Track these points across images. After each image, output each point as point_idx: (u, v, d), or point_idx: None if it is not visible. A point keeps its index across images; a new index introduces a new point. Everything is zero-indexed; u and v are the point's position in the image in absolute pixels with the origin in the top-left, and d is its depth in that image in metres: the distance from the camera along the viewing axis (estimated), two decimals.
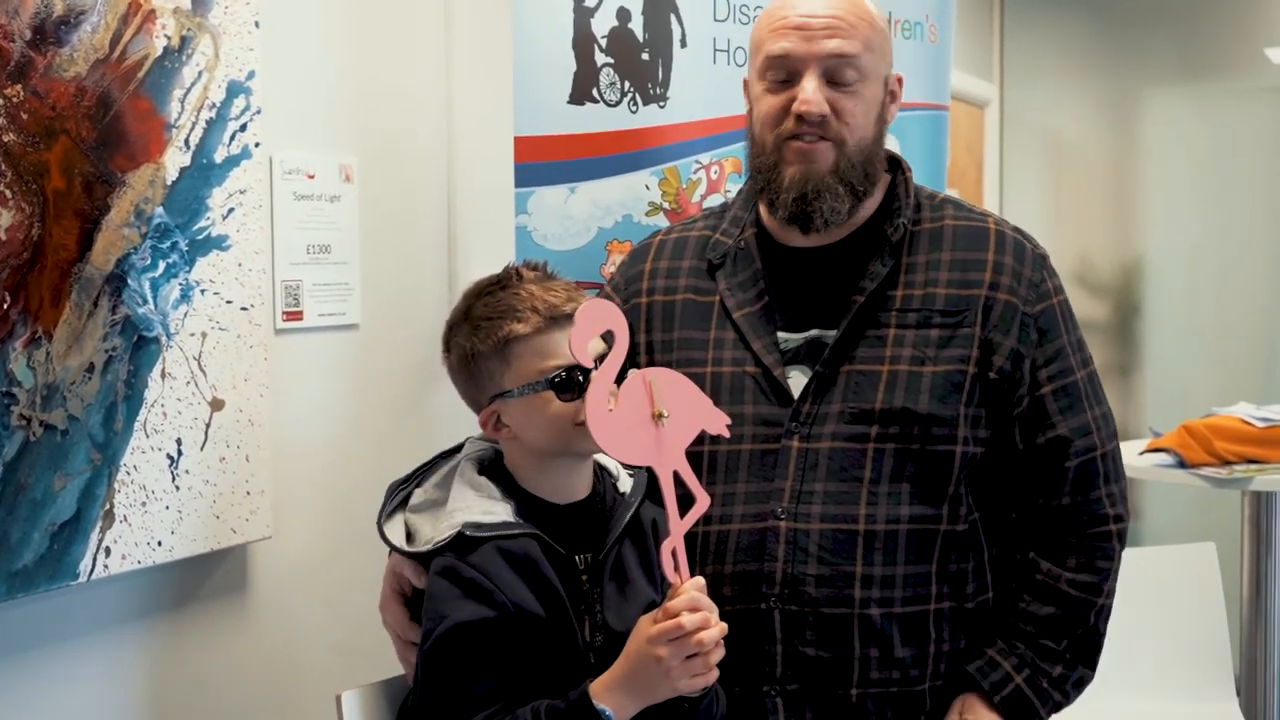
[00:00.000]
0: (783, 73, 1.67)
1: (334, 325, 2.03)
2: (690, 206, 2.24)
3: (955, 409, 1.64)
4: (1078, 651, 1.67)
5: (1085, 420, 1.69)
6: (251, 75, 1.81)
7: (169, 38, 1.69)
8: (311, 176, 1.97)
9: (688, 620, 1.37)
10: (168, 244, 1.70)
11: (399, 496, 1.57)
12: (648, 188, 2.20)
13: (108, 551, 1.63)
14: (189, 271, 1.73)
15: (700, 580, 1.43)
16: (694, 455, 1.53)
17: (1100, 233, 4.82)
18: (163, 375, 1.69)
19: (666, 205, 2.22)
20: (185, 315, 1.72)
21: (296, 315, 1.95)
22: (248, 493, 1.83)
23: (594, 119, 2.13)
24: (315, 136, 2.00)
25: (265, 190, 1.87)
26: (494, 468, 1.55)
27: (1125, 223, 4.80)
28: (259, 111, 1.82)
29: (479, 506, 1.48)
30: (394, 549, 1.52)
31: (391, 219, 2.14)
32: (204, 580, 1.84)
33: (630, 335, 1.72)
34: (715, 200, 2.25)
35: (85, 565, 1.60)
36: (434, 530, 1.48)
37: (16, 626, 1.58)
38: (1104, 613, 1.69)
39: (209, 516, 1.77)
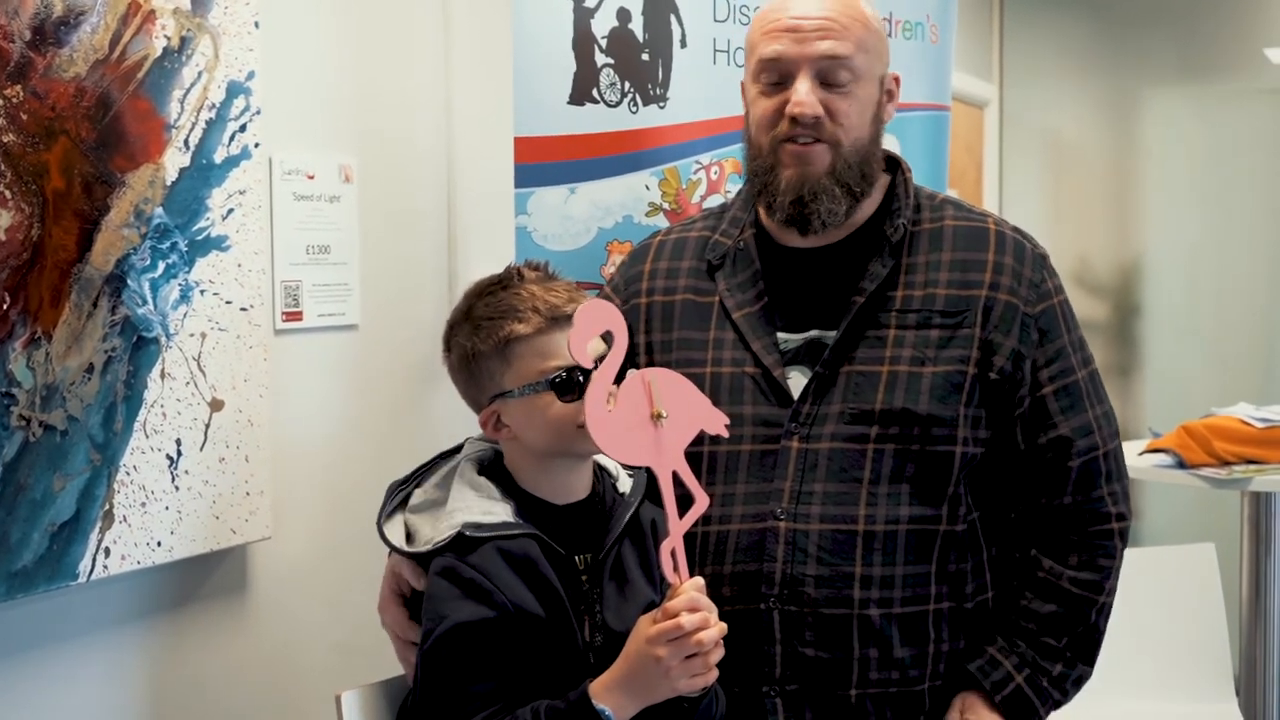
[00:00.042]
0: (776, 75, 1.67)
1: (333, 326, 2.03)
2: (690, 207, 2.24)
3: (955, 409, 1.64)
4: (1078, 649, 1.67)
5: (1087, 420, 1.69)
6: (251, 76, 1.81)
7: (168, 38, 1.69)
8: (311, 177, 1.97)
9: (687, 620, 1.37)
10: (167, 244, 1.70)
11: (399, 497, 1.57)
12: (648, 188, 2.20)
13: (107, 552, 1.63)
14: (188, 272, 1.73)
15: (699, 580, 1.43)
16: (693, 456, 1.53)
17: (1100, 233, 4.82)
18: (162, 376, 1.69)
19: (666, 206, 2.22)
20: (185, 316, 1.72)
21: (296, 316, 1.95)
22: (247, 493, 1.83)
23: (594, 119, 2.13)
24: (315, 137, 2.00)
25: (265, 191, 1.87)
26: (494, 468, 1.55)
27: (1125, 223, 4.80)
28: (259, 112, 1.82)
29: (479, 507, 1.48)
30: (394, 549, 1.52)
31: (391, 219, 2.14)
32: (203, 581, 1.84)
33: (630, 336, 1.73)
34: (715, 201, 2.25)
35: (85, 566, 1.60)
36: (434, 530, 1.48)
37: (16, 627, 1.58)
38: (1105, 611, 1.69)
39: (208, 517, 1.77)
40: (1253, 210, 4.50)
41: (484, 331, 1.50)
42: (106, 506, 1.63)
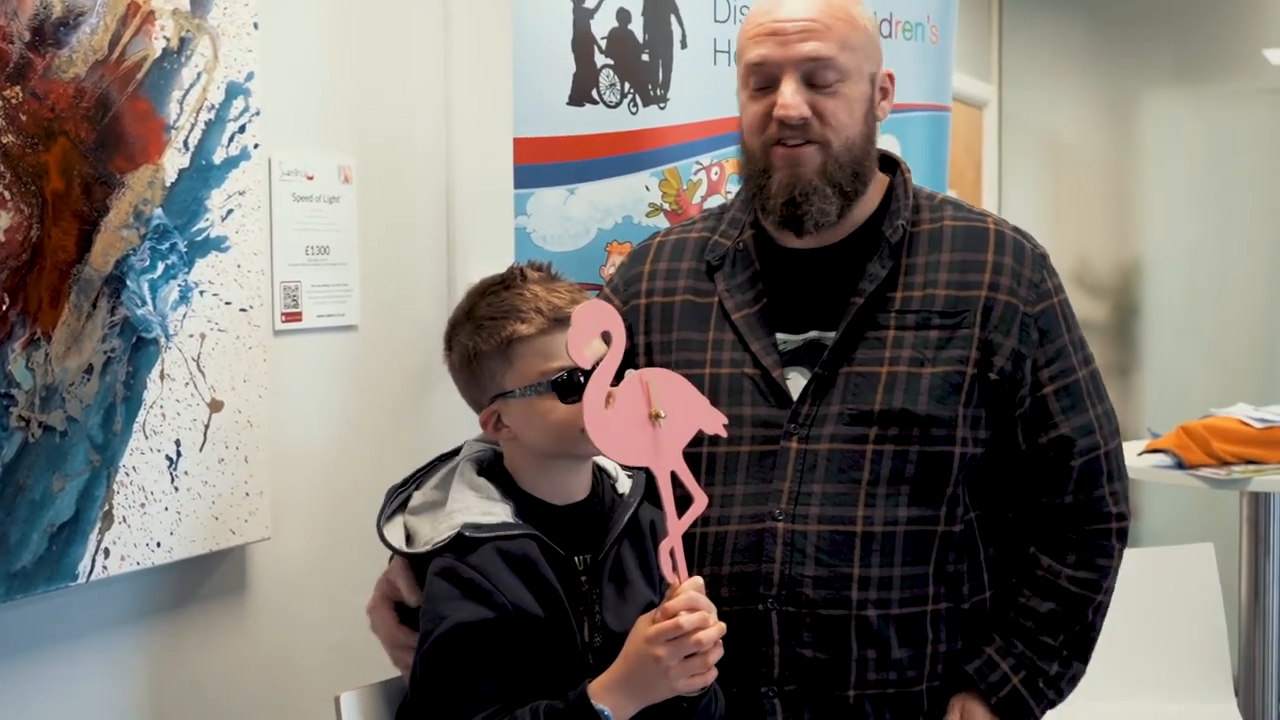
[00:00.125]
0: (762, 79, 1.67)
1: (333, 326, 2.03)
2: (690, 208, 2.24)
3: (954, 410, 1.64)
4: (1073, 647, 1.68)
5: (1088, 419, 1.69)
6: (250, 76, 1.81)
7: (168, 39, 1.69)
8: (310, 178, 1.97)
9: (686, 620, 1.37)
10: (166, 245, 1.70)
11: (398, 500, 1.57)
12: (648, 189, 2.20)
13: (106, 553, 1.63)
14: (188, 273, 1.73)
15: (698, 580, 1.43)
16: (692, 456, 1.53)
17: (1099, 234, 4.82)
18: (161, 376, 1.69)
19: (667, 206, 2.22)
20: (184, 316, 1.72)
21: (295, 316, 1.95)
22: (246, 494, 1.83)
23: (594, 120, 2.13)
24: (314, 137, 2.00)
25: (264, 191, 1.87)
26: (493, 469, 1.55)
27: (1124, 224, 4.80)
28: (258, 113, 1.82)
29: (478, 507, 1.48)
30: (394, 550, 1.52)
31: (391, 220, 2.14)
32: (203, 581, 1.84)
33: (629, 337, 1.73)
34: (716, 201, 2.25)
35: (84, 566, 1.60)
36: (433, 531, 1.48)
37: (15, 628, 1.58)
38: (1102, 610, 1.69)
39: (208, 518, 1.77)
40: (1252, 210, 4.50)
41: (486, 331, 1.50)
42: (106, 507, 1.63)
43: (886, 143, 2.44)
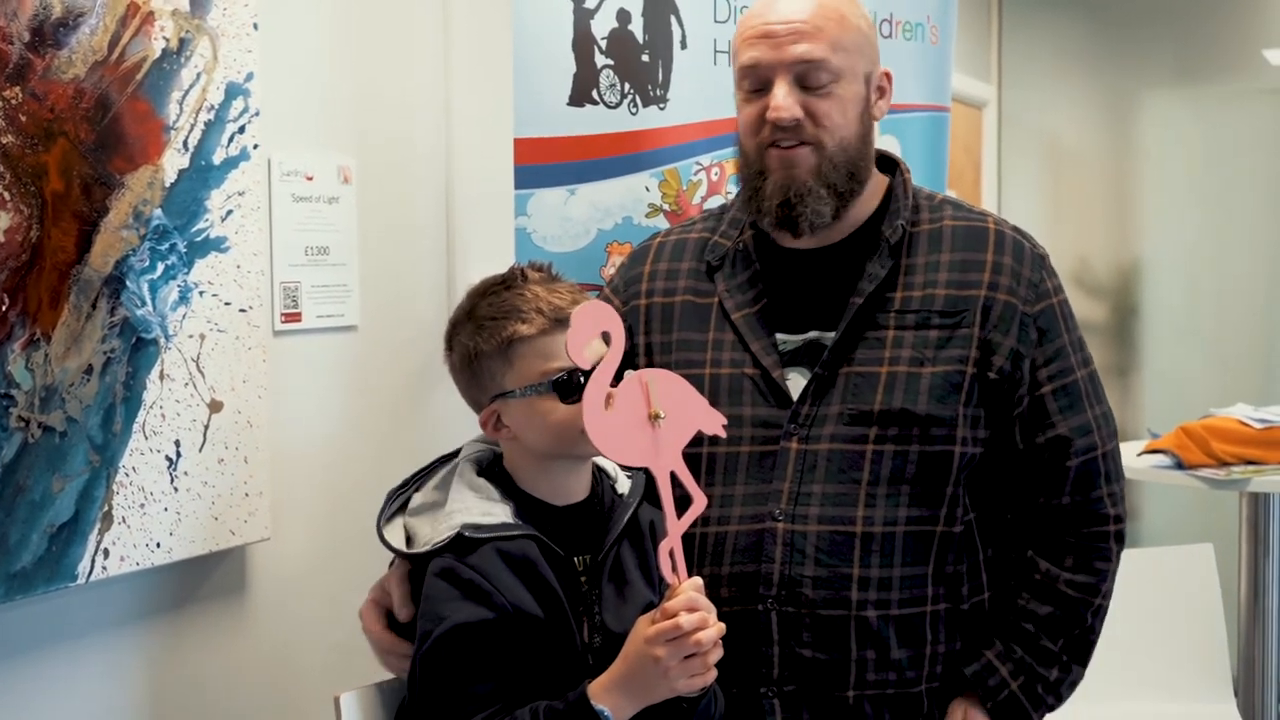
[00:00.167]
0: (756, 82, 1.67)
1: (332, 327, 2.03)
2: (690, 208, 2.24)
3: (954, 409, 1.64)
4: (1073, 651, 1.68)
5: (1086, 419, 1.69)
6: (250, 77, 1.81)
7: (167, 40, 1.69)
8: (310, 178, 1.97)
9: (685, 620, 1.37)
10: (166, 246, 1.70)
11: (398, 502, 1.57)
12: (648, 189, 2.21)
13: (106, 553, 1.63)
14: (187, 273, 1.73)
15: (698, 580, 1.43)
16: (692, 457, 1.53)
17: (1098, 234, 4.82)
18: (161, 377, 1.69)
19: (666, 207, 2.23)
20: (184, 317, 1.72)
21: (295, 317, 1.95)
22: (246, 494, 1.83)
23: (594, 120, 2.13)
24: (313, 138, 2.00)
25: (264, 192, 1.87)
26: (493, 469, 1.55)
27: (1123, 224, 4.81)
28: (257, 113, 1.82)
29: (478, 508, 1.48)
30: (393, 550, 1.52)
31: (390, 221, 2.14)
32: (203, 582, 1.84)
33: (629, 337, 1.73)
34: (716, 202, 2.25)
35: (84, 567, 1.60)
36: (433, 531, 1.48)
37: (15, 628, 1.58)
38: (1101, 613, 1.69)
39: (207, 518, 1.77)
40: (1251, 211, 4.50)
41: (486, 331, 1.50)
42: (105, 508, 1.63)
43: (886, 143, 2.45)
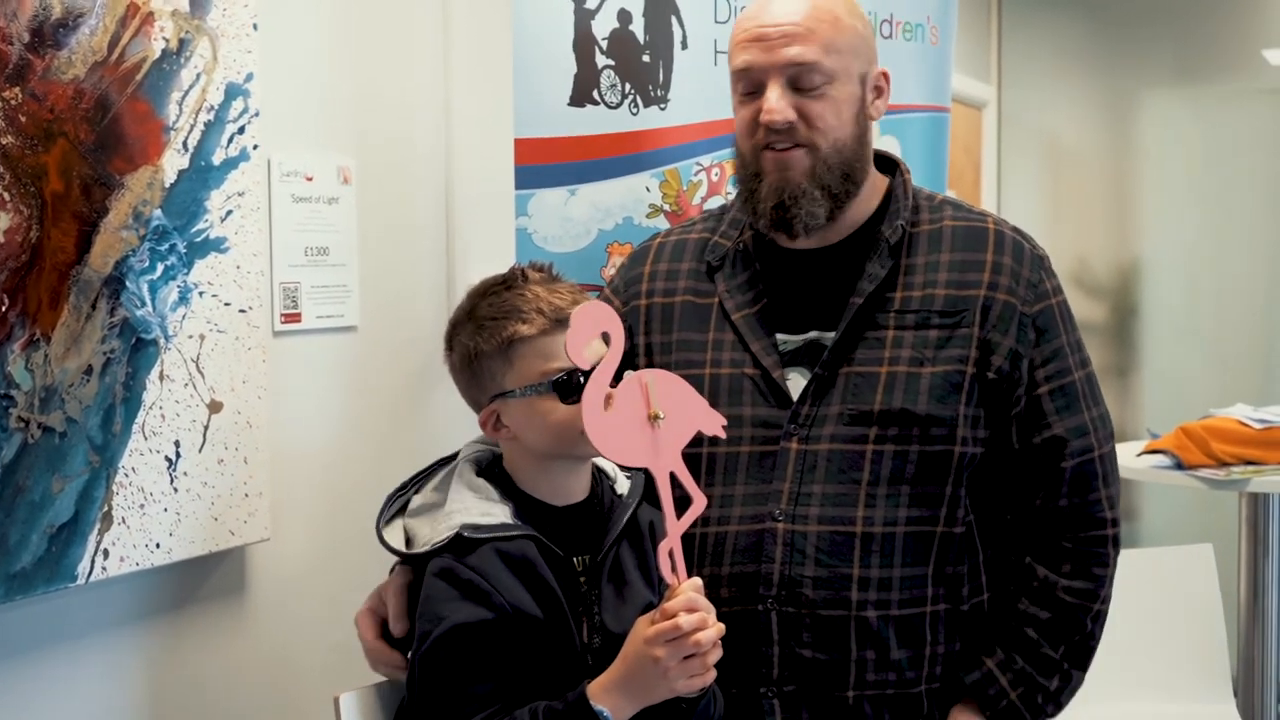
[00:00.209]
0: (749, 85, 1.68)
1: (332, 327, 2.03)
2: (691, 209, 2.24)
3: (954, 409, 1.64)
4: (1073, 658, 1.68)
5: (1082, 421, 1.69)
6: (250, 78, 1.81)
7: (167, 40, 1.69)
8: (310, 179, 1.97)
9: (685, 621, 1.38)
10: (166, 246, 1.70)
11: (397, 504, 1.57)
12: (648, 190, 2.21)
13: (106, 554, 1.63)
14: (187, 274, 1.73)
15: (697, 581, 1.43)
16: (692, 457, 1.53)
17: (1098, 234, 4.82)
18: (161, 377, 1.69)
19: (667, 207, 2.23)
20: (183, 317, 1.72)
21: (295, 317, 1.95)
22: (246, 495, 1.83)
23: (594, 121, 2.13)
24: (313, 138, 2.00)
25: (263, 192, 1.87)
26: (492, 470, 1.55)
27: (1123, 224, 4.81)
28: (257, 114, 1.82)
29: (477, 508, 1.48)
30: (393, 551, 1.52)
31: (390, 221, 2.14)
32: (202, 582, 1.84)
33: (629, 337, 1.73)
34: (716, 202, 2.25)
35: (83, 567, 1.60)
36: (432, 532, 1.48)
37: (15, 629, 1.58)
38: (1100, 618, 1.69)
39: (207, 519, 1.77)
40: (1251, 211, 4.50)
41: (487, 331, 1.50)
42: (105, 508, 1.63)
43: (886, 143, 2.45)
